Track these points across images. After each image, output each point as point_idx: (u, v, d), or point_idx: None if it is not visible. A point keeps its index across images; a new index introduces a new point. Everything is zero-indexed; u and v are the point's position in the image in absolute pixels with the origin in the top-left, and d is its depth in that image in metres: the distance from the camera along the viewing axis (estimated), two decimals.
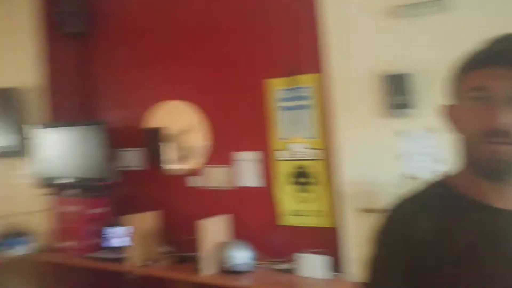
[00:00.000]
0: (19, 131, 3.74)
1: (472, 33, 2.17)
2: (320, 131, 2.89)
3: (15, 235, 3.70)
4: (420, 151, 2.63)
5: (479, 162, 0.78)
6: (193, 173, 3.36)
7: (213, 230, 2.95)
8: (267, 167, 3.06)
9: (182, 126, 3.39)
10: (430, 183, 0.88)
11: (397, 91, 2.60)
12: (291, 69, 2.92)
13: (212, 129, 3.26)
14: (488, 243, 0.77)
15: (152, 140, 3.50)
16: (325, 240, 2.83)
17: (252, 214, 3.11)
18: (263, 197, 3.06)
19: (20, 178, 3.82)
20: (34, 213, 3.73)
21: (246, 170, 3.14)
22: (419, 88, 2.56)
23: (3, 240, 3.61)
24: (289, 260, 2.84)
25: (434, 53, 2.52)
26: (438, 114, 2.61)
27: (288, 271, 2.80)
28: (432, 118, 2.53)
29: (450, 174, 0.88)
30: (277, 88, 3.00)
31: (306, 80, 2.90)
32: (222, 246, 2.90)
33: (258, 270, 2.88)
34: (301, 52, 2.92)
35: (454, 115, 0.84)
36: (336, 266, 2.75)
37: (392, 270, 0.82)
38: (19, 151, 3.74)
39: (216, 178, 3.26)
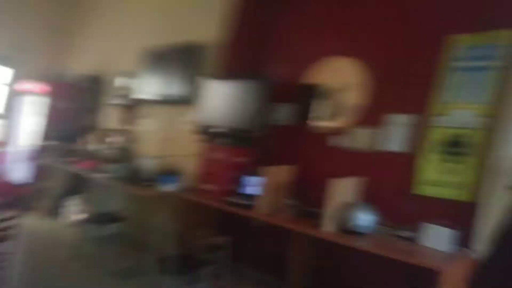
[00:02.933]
0: (193, 82, 4.41)
1: None
2: (495, 98, 2.74)
3: (169, 173, 4.41)
4: None
5: None
6: (338, 132, 3.57)
7: (342, 190, 3.10)
8: (418, 133, 3.07)
9: (340, 83, 3.61)
10: None
11: None
12: (483, 23, 2.78)
13: (371, 88, 3.38)
14: None
15: (304, 96, 3.83)
16: (457, 214, 2.76)
17: (387, 179, 3.17)
18: (403, 163, 3.10)
19: (184, 124, 4.52)
20: (188, 156, 4.39)
21: (394, 133, 3.20)
22: None
23: (159, 176, 4.30)
24: (414, 229, 2.83)
25: None
26: None
27: (411, 239, 2.79)
28: None
29: None
30: (459, 45, 2.91)
31: (500, 37, 2.73)
32: (347, 206, 3.04)
33: (379, 234, 2.94)
34: (499, 2, 2.78)
35: None
36: (464, 241, 2.68)
37: None
38: (189, 100, 4.43)
39: (360, 139, 3.41)
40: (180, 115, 4.61)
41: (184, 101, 4.50)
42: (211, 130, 4.18)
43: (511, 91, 2.65)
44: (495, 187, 2.65)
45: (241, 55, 4.29)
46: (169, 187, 4.17)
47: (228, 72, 4.23)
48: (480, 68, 2.78)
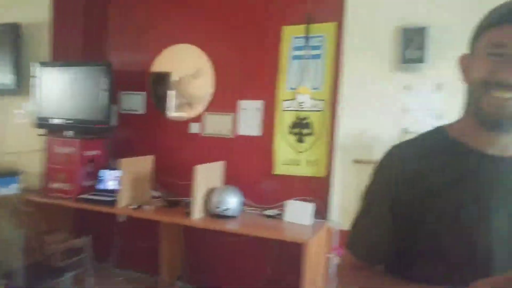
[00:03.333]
0: (18, 69, 3.86)
1: None
2: (326, 82, 3.09)
3: (7, 174, 3.89)
4: (424, 107, 2.80)
5: (482, 112, 0.89)
6: (194, 119, 3.58)
7: (207, 176, 3.14)
8: (270, 117, 3.27)
9: (188, 71, 3.61)
10: (431, 129, 1.03)
11: (411, 45, 2.78)
12: (308, 17, 3.10)
13: (219, 76, 3.47)
14: (470, 181, 0.91)
15: (156, 85, 3.73)
16: (316, 189, 3.08)
17: (248, 162, 3.32)
18: (261, 146, 3.28)
19: (16, 117, 4.01)
20: (27, 152, 3.94)
21: (248, 118, 3.35)
22: (434, 43, 2.75)
23: None
24: (279, 207, 3.06)
25: (453, 8, 2.72)
26: (448, 70, 2.77)
27: (276, 217, 3.01)
28: (442, 74, 2.74)
29: (451, 122, 1.01)
30: (292, 35, 3.18)
31: (321, 29, 3.10)
32: (213, 192, 3.09)
33: (246, 215, 3.10)
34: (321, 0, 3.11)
35: (469, 65, 0.94)
36: (323, 213, 3.00)
37: (381, 200, 0.98)
38: (17, 89, 3.89)
39: (216, 125, 3.47)
40: (8, 107, 4.05)
41: (11, 91, 3.93)
42: (52, 122, 3.78)
43: (337, 76, 3.02)
44: (340, 162, 3.00)
45: (73, 39, 3.96)
46: (9, 189, 3.72)
47: (61, 57, 3.87)
48: (309, 56, 3.10)
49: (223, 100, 3.43)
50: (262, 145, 3.27)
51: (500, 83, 0.85)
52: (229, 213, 3.01)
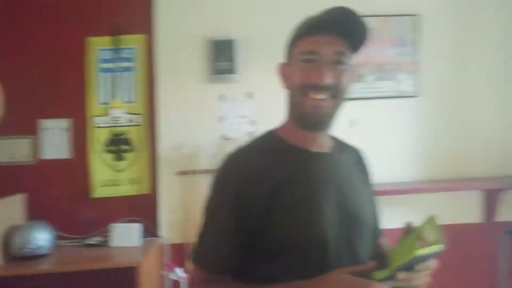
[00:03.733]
0: None
1: (295, 3, 2.74)
2: (142, 95, 2.97)
3: None
4: (238, 115, 2.97)
5: (303, 114, 1.01)
6: None
7: (3, 213, 2.60)
8: (81, 136, 2.93)
9: None
10: (262, 133, 1.11)
11: (221, 57, 2.92)
12: (114, 28, 2.93)
13: (12, 94, 2.92)
14: (302, 177, 1.01)
15: None
16: (142, 208, 2.91)
17: (58, 189, 2.90)
18: (72, 169, 2.91)
19: None
20: None
21: (53, 140, 2.92)
22: (242, 54, 2.94)
23: None
24: (103, 233, 2.75)
25: (257, 22, 2.98)
26: (257, 79, 3.04)
27: (101, 244, 2.71)
28: (251, 84, 2.97)
29: (279, 126, 1.11)
30: (98, 47, 2.95)
31: (130, 41, 2.96)
32: (13, 231, 2.58)
33: (63, 249, 2.67)
34: (127, 10, 2.98)
35: (287, 73, 1.06)
36: (153, 231, 2.86)
37: (226, 208, 0.99)
38: None
39: (11, 151, 2.91)
40: None
41: None
42: None
43: (151, 89, 2.96)
44: (165, 176, 2.92)
45: None
46: None
47: None
48: (120, 69, 2.97)
49: (19, 121, 2.92)
50: (74, 168, 2.90)
51: (314, 86, 0.97)
52: (37, 252, 2.55)
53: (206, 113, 2.95)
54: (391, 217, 2.93)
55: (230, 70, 2.93)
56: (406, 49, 3.09)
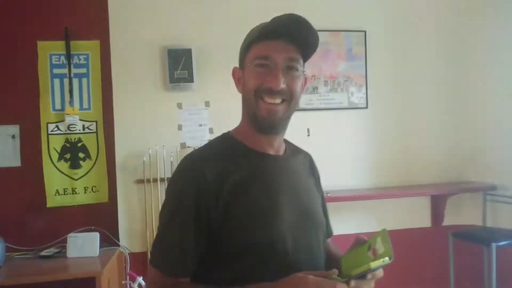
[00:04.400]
0: None
1: (251, 13, 2.78)
2: (96, 102, 2.93)
3: None
4: (197, 123, 3.00)
5: (256, 118, 1.02)
6: None
7: None
8: (32, 143, 2.84)
9: None
10: (217, 136, 1.12)
11: (178, 65, 2.93)
12: (67, 33, 2.86)
13: None
14: (259, 179, 1.02)
15: None
16: (101, 216, 2.86)
17: (7, 200, 2.79)
18: (23, 178, 2.82)
19: None
20: None
21: (0, 147, 2.81)
22: (200, 63, 2.97)
23: None
24: (59, 244, 2.68)
25: (217, 30, 3.01)
26: (213, 88, 3.07)
27: (57, 255, 2.63)
28: (208, 92, 3.00)
29: (234, 129, 1.11)
30: (49, 52, 2.87)
31: (83, 47, 2.91)
32: None
33: (15, 261, 2.58)
34: (80, 16, 2.92)
35: (242, 78, 1.06)
36: (112, 240, 2.82)
37: (184, 210, 0.97)
38: None
39: None
40: None
41: None
42: None
43: (107, 96, 2.93)
44: (122, 184, 2.90)
45: None
46: None
47: None
48: (79, 75, 2.91)
49: None
50: (25, 177, 2.81)
51: (268, 91, 0.99)
52: None
53: (164, 121, 2.95)
54: (344, 223, 3.09)
55: (188, 79, 2.94)
56: (355, 63, 3.25)
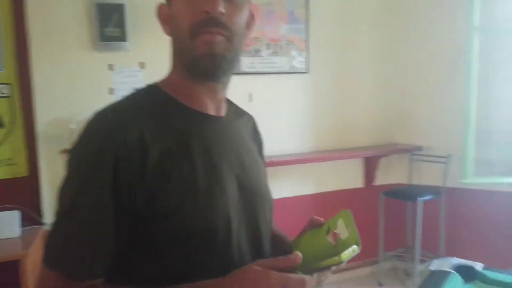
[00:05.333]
0: None
1: None
2: (10, 62, 2.51)
3: None
4: (131, 86, 2.72)
5: (193, 58, 0.78)
6: None
7: None
8: None
9: None
10: (140, 88, 0.85)
11: (109, 22, 2.61)
12: None
13: None
14: (196, 145, 0.78)
15: None
16: (20, 193, 2.53)
17: None
18: None
19: None
20: None
21: None
22: (134, 20, 2.67)
23: None
24: None
25: None
26: (150, 48, 2.80)
27: None
28: (144, 52, 2.73)
29: (161, 79, 0.85)
30: None
31: None
32: None
33: None
34: None
35: (169, 15, 0.82)
36: (35, 218, 2.51)
37: (95, 186, 0.71)
38: None
39: None
40: None
41: None
42: None
43: (24, 56, 2.54)
44: (49, 155, 2.56)
45: None
46: None
47: None
48: None
49: None
50: None
51: (204, 21, 0.77)
52: None
53: (94, 84, 2.64)
54: (284, 187, 3.10)
55: (120, 37, 2.64)
56: (297, 26, 3.18)
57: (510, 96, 3.30)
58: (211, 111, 0.84)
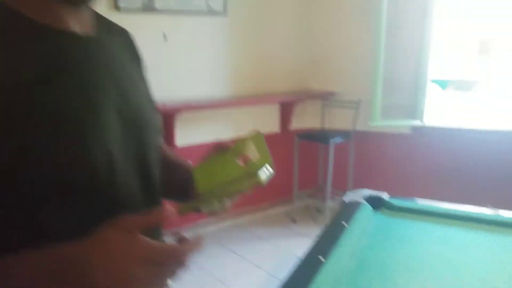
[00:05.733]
0: None
1: None
2: None
3: None
4: None
5: None
6: None
7: None
8: None
9: None
10: None
11: None
12: None
13: None
14: (63, 73, 0.62)
15: None
16: None
17: None
18: None
19: None
20: None
21: None
22: None
23: None
24: None
25: None
26: None
27: None
28: None
29: None
30: None
31: None
32: None
33: None
34: None
35: None
36: None
37: None
38: None
39: None
40: None
41: None
42: None
43: None
44: None
45: None
46: None
47: None
48: None
49: None
50: None
51: None
52: None
53: None
54: (200, 131, 3.08)
55: None
56: None
57: (415, 46, 3.52)
58: (77, 29, 0.66)
